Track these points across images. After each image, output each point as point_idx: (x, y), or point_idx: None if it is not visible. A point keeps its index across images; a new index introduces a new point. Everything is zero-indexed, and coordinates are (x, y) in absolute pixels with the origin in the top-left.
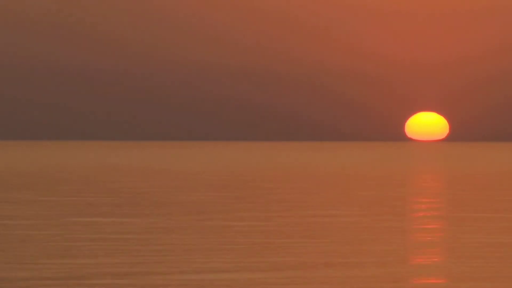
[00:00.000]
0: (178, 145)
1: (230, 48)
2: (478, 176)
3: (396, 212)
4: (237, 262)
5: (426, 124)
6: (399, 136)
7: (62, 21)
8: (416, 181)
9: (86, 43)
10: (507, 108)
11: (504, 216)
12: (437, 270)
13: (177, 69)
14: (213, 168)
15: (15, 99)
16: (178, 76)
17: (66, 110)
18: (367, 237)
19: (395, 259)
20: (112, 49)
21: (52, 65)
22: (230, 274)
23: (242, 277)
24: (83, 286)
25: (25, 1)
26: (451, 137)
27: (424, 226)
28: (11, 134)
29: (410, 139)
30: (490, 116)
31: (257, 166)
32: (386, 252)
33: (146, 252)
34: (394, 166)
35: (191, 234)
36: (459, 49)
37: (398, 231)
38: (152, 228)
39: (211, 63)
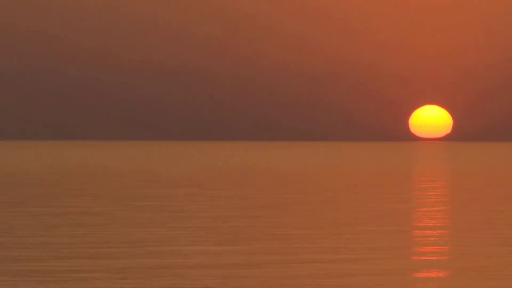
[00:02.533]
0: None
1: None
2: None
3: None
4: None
5: (430, 120)
6: (403, 132)
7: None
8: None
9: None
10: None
11: None
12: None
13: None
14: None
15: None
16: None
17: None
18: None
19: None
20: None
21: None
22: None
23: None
24: None
25: None
26: (455, 131)
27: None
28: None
29: (415, 136)
30: (493, 109)
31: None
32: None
33: None
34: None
35: None
36: (459, 40)
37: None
38: None
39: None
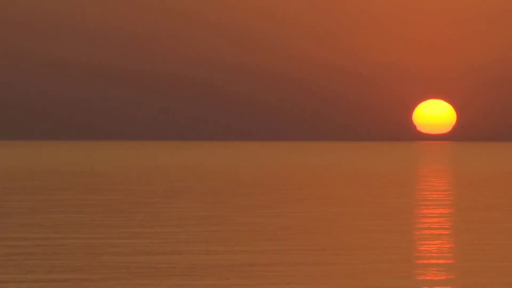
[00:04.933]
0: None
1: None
2: None
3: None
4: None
5: (434, 116)
6: (407, 128)
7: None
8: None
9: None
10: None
11: None
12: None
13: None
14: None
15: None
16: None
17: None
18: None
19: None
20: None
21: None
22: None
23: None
24: None
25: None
26: (459, 126)
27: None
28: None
29: (419, 132)
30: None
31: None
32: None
33: None
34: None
35: None
36: (459, 32)
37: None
38: None
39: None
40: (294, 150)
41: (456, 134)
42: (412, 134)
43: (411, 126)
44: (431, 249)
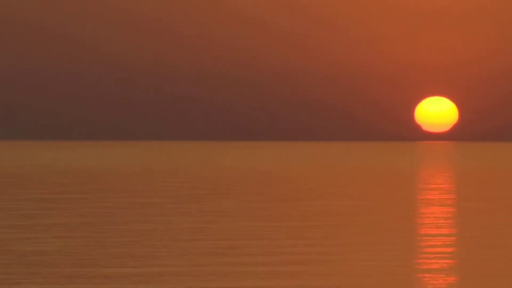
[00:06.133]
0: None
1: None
2: None
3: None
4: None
5: (436, 113)
6: (409, 124)
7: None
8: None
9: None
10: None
11: None
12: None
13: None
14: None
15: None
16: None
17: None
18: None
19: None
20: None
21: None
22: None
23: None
24: None
25: None
26: (461, 123)
27: None
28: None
29: (423, 131)
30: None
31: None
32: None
33: None
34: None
35: None
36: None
37: None
38: None
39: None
40: (293, 151)
41: (457, 133)
42: (414, 134)
43: (412, 124)
44: (434, 251)
